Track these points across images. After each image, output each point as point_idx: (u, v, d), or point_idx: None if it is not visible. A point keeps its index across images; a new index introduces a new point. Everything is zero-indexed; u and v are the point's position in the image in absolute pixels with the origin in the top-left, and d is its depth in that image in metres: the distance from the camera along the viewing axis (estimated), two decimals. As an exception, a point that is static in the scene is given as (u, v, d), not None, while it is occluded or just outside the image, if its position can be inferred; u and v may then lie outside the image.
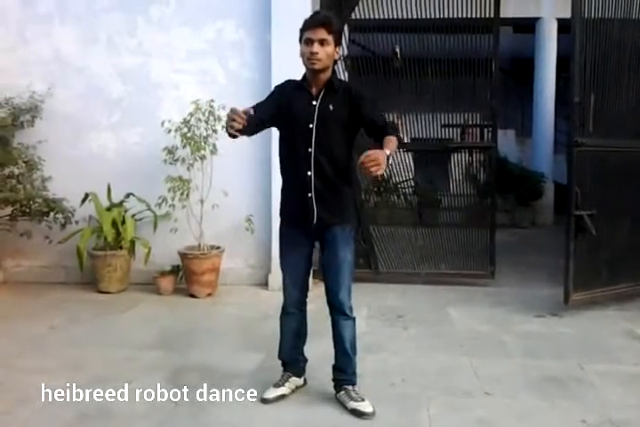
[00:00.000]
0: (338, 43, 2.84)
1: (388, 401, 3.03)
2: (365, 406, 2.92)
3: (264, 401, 3.05)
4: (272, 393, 3.08)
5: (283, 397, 3.09)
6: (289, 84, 3.00)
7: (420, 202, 6.19)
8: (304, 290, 3.13)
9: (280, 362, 3.22)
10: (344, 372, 3.05)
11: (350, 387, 3.02)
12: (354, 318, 3.04)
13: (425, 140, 5.85)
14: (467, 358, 3.65)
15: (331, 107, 2.86)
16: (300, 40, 2.84)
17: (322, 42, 2.77)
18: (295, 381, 3.18)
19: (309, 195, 2.90)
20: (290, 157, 3.00)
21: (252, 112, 2.62)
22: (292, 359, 3.20)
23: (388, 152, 2.60)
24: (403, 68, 5.56)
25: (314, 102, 2.87)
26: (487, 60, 5.48)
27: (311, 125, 2.86)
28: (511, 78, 11.41)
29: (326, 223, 2.94)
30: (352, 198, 3.06)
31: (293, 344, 3.18)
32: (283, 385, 3.13)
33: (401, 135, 2.94)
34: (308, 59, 2.80)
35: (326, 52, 2.79)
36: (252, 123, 2.67)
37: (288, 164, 3.03)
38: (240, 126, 2.53)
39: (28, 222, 5.10)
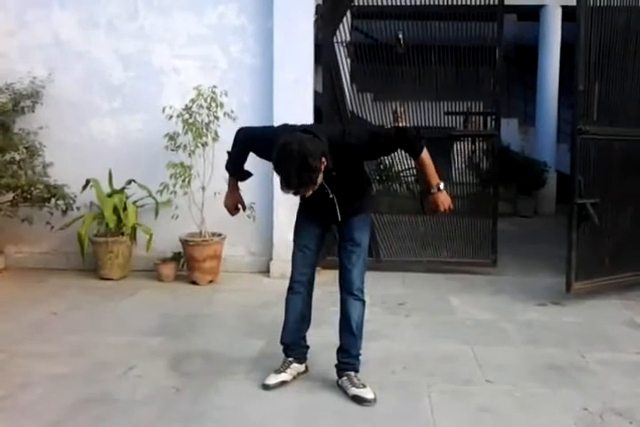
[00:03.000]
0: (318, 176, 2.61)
1: (389, 388, 3.04)
2: (367, 393, 2.92)
3: (265, 387, 3.05)
4: (273, 379, 3.08)
5: (284, 383, 3.08)
6: None
7: (421, 190, 6.17)
8: (313, 267, 3.13)
9: (282, 347, 3.20)
10: (347, 353, 3.04)
11: (352, 373, 3.01)
12: (363, 301, 3.03)
13: (427, 128, 5.81)
14: (468, 346, 3.65)
15: (334, 173, 2.77)
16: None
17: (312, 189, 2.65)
18: (297, 367, 3.17)
19: (334, 207, 2.97)
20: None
21: (241, 210, 3.30)
22: (295, 343, 3.18)
23: (441, 185, 2.88)
24: (406, 55, 5.51)
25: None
26: (491, 47, 5.44)
27: (326, 190, 2.88)
28: (515, 66, 11.33)
29: (347, 216, 3.01)
30: (369, 190, 3.16)
31: (298, 327, 3.17)
32: (284, 371, 3.12)
33: (417, 146, 2.88)
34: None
35: (314, 188, 2.66)
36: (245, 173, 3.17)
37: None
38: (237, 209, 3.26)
39: (30, 208, 5.09)
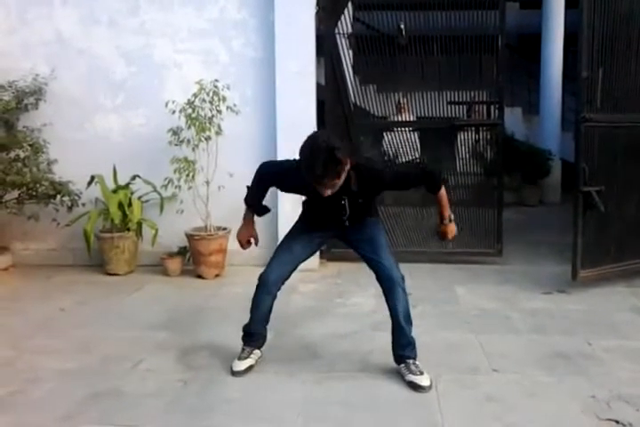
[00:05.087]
0: (344, 171, 2.67)
1: (396, 378, 3.04)
2: (422, 380, 2.95)
3: (235, 374, 3.10)
4: (241, 366, 3.12)
5: (251, 367, 3.14)
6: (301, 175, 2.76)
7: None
8: (292, 272, 3.17)
9: (242, 335, 3.23)
10: (399, 345, 3.08)
11: (411, 361, 3.05)
12: (404, 289, 3.07)
13: (431, 118, 5.80)
14: (474, 336, 3.66)
15: (360, 200, 2.95)
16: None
17: (333, 185, 2.71)
18: (258, 353, 3.22)
19: (344, 221, 3.05)
20: (319, 211, 3.10)
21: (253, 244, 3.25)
22: (260, 335, 3.23)
23: (452, 216, 3.18)
24: (407, 45, 5.49)
25: (342, 202, 2.91)
26: (493, 36, 5.40)
27: (344, 218, 3.00)
28: (518, 55, 11.28)
29: (354, 223, 3.08)
30: (376, 208, 3.27)
31: (266, 321, 3.21)
32: (248, 357, 3.17)
33: (438, 181, 3.11)
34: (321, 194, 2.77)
35: (338, 185, 2.73)
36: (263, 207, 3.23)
37: (317, 210, 3.13)
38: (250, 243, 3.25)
39: (35, 205, 5.11)
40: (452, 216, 3.21)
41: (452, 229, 3.22)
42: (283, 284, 3.15)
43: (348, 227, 3.08)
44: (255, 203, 3.20)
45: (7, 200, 5.10)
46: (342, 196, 2.87)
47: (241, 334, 3.24)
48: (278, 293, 3.16)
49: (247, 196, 3.20)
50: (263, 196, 3.19)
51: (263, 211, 3.24)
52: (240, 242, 3.23)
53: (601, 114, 4.47)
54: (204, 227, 5.08)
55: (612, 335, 3.66)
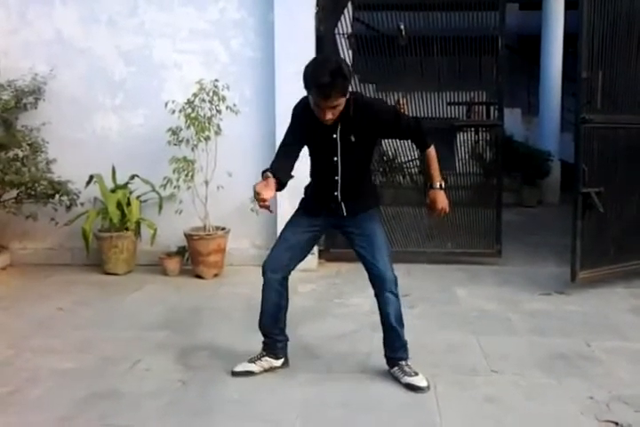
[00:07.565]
0: (348, 89, 2.67)
1: (395, 379, 3.03)
2: (419, 381, 2.93)
3: (232, 374, 3.08)
4: (241, 367, 3.10)
5: (250, 373, 3.09)
6: (303, 109, 2.82)
7: (425, 181, 6.15)
8: (295, 264, 3.06)
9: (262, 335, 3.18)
10: (391, 348, 3.05)
11: (403, 362, 3.02)
12: (396, 294, 3.02)
13: (430, 118, 5.79)
14: (473, 337, 3.65)
15: (352, 138, 2.84)
16: (307, 92, 2.69)
17: (334, 107, 2.67)
18: (269, 361, 3.13)
19: (335, 193, 2.96)
20: (317, 168, 3.06)
21: (272, 182, 2.70)
22: (272, 337, 3.13)
23: (443, 184, 2.96)
24: (407, 46, 5.49)
25: (334, 135, 2.83)
26: (493, 37, 5.41)
27: (335, 158, 2.89)
28: (517, 56, 11.28)
29: (352, 214, 3.00)
30: (373, 187, 3.20)
31: (275, 318, 3.10)
32: (254, 363, 3.12)
33: (428, 140, 2.99)
34: (321, 118, 2.74)
35: (339, 110, 2.71)
36: (286, 171, 2.84)
37: (316, 170, 3.08)
38: (269, 203, 2.69)
39: (34, 205, 5.10)
40: (444, 184, 2.99)
41: (442, 197, 2.97)
42: (288, 273, 3.03)
43: (345, 217, 3.00)
44: (279, 166, 2.86)
45: (6, 200, 5.09)
46: (336, 131, 2.81)
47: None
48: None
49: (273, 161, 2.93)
50: (296, 151, 2.91)
51: (285, 177, 2.83)
52: (258, 193, 2.65)
53: (600, 115, 4.48)
54: (202, 227, 5.08)
55: (611, 336, 3.66)
